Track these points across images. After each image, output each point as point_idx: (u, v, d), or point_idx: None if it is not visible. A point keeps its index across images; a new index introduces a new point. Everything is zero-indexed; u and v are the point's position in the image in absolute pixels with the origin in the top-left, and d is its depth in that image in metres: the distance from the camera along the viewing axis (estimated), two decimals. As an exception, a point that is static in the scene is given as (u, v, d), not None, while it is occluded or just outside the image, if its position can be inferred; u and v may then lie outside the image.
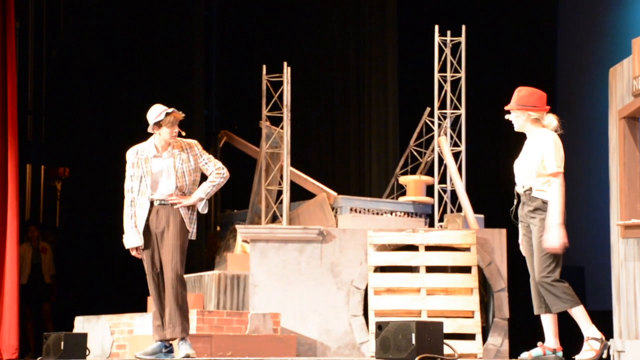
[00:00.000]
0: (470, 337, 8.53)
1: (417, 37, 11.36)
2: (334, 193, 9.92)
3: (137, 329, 8.24)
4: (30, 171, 12.66)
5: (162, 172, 6.21)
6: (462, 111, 9.74)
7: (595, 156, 9.41)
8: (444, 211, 9.66)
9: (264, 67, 9.94)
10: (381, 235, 8.83)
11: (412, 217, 9.89)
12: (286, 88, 9.67)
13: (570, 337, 6.42)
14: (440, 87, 9.77)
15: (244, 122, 11.83)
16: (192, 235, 6.26)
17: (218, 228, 11.72)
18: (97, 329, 8.53)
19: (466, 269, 8.75)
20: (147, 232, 6.19)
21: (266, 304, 8.69)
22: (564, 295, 5.43)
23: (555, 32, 12.35)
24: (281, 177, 9.78)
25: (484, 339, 8.71)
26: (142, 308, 8.82)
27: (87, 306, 9.45)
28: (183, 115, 6.24)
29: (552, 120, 5.67)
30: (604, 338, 5.52)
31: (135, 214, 6.20)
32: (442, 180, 9.72)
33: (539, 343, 5.67)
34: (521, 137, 5.81)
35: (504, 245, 8.87)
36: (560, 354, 5.67)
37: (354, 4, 12.34)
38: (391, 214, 9.85)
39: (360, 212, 9.76)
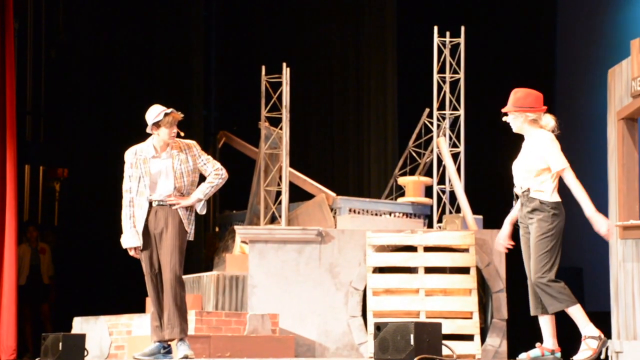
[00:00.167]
0: (469, 338, 8.53)
1: (417, 38, 11.36)
2: (333, 194, 9.92)
3: (136, 329, 8.24)
4: (29, 172, 12.65)
5: (161, 173, 6.20)
6: (461, 112, 9.74)
7: (594, 157, 9.40)
8: (443, 212, 9.66)
9: (263, 67, 9.93)
10: (380, 236, 8.83)
11: (410, 218, 9.89)
12: (285, 89, 9.67)
13: (569, 337, 6.41)
14: (440, 88, 9.77)
15: (243, 123, 11.83)
16: (190, 236, 6.26)
17: (217, 229, 11.72)
18: (95, 330, 8.53)
19: (465, 270, 8.75)
20: (145, 232, 6.18)
21: (265, 305, 8.69)
22: (559, 295, 5.43)
23: (555, 33, 12.35)
24: (280, 177, 9.78)
25: (483, 340, 8.71)
26: (141, 309, 8.82)
27: (86, 307, 9.44)
28: (182, 115, 6.23)
29: (549, 120, 5.68)
30: (602, 335, 5.51)
31: (134, 214, 6.19)
32: (441, 181, 9.72)
33: (538, 344, 5.67)
34: (520, 138, 5.82)
35: (503, 246, 8.85)
36: (558, 354, 5.67)
37: (353, 5, 12.34)
38: (390, 214, 9.85)
39: (359, 212, 9.76)
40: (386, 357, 5.68)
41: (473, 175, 9.87)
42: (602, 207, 7.55)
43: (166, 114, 6.15)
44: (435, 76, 9.76)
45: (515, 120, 5.67)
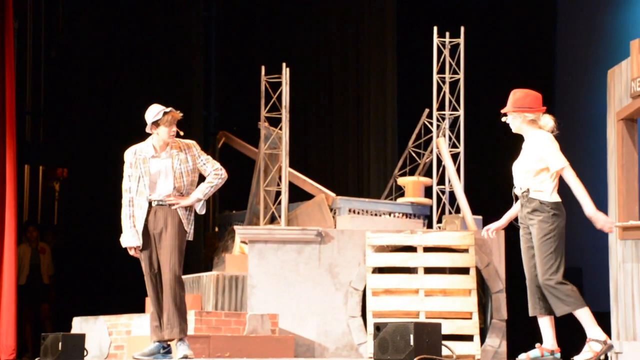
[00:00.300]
0: (468, 338, 8.53)
1: (416, 38, 11.36)
2: (333, 194, 9.92)
3: (135, 329, 8.24)
4: (29, 172, 12.65)
5: (160, 173, 6.20)
6: (461, 112, 9.74)
7: (594, 158, 9.40)
8: (443, 212, 9.66)
9: (263, 68, 9.93)
10: (379, 237, 8.83)
11: (410, 218, 9.89)
12: (285, 89, 9.67)
13: (568, 338, 6.41)
14: (439, 89, 9.77)
15: (243, 123, 11.83)
16: (190, 236, 6.26)
17: (216, 229, 11.72)
18: (95, 330, 8.53)
19: (464, 270, 8.75)
20: (145, 232, 6.18)
21: (264, 305, 8.69)
22: (567, 297, 5.42)
23: (554, 33, 12.35)
24: (280, 178, 9.78)
25: (482, 340, 8.71)
26: (140, 309, 8.82)
27: (85, 307, 9.44)
28: (181, 114, 6.23)
29: (548, 121, 5.69)
30: (607, 340, 5.50)
31: (134, 214, 6.19)
32: (441, 181, 9.72)
33: (537, 344, 5.67)
34: (519, 139, 5.82)
35: (502, 246, 8.87)
36: (558, 355, 5.67)
37: (353, 6, 12.34)
38: (389, 215, 9.85)
39: (358, 213, 9.76)
40: (386, 358, 5.68)
41: (472, 175, 9.87)
42: (601, 207, 7.56)
43: (165, 113, 6.15)
44: (435, 76, 9.76)
45: (514, 120, 5.68)
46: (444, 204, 9.65)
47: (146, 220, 6.17)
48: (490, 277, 8.83)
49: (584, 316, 5.46)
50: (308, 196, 10.18)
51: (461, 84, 9.76)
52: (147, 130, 6.23)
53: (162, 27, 11.61)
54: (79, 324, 8.71)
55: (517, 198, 5.72)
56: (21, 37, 11.98)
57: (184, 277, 6.29)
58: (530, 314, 5.67)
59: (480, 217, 9.52)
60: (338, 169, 12.21)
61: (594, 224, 5.51)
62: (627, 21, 11.42)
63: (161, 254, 6.16)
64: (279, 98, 9.76)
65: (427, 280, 8.69)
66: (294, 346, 8.22)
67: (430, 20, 10.19)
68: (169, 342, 6.26)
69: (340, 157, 12.24)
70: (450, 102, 9.78)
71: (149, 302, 6.34)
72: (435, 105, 9.75)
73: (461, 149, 9.70)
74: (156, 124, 6.17)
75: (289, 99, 9.70)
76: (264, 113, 9.92)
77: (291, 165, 9.92)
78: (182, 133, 6.29)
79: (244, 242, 9.36)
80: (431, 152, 9.92)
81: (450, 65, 9.79)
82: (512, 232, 5.95)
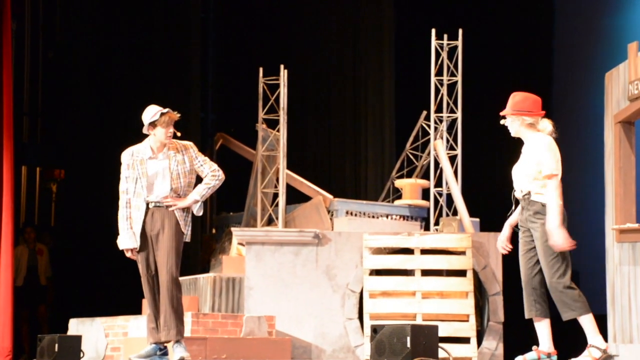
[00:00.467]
0: (465, 340, 8.53)
1: (414, 40, 11.37)
2: (330, 196, 9.92)
3: (132, 331, 8.23)
4: (26, 173, 12.64)
5: (158, 174, 6.19)
6: (459, 115, 9.75)
7: (591, 160, 9.40)
8: (440, 215, 9.66)
9: (261, 69, 9.93)
10: (377, 239, 8.82)
11: (407, 220, 9.89)
12: (283, 91, 9.67)
13: (565, 341, 6.41)
14: (437, 91, 9.77)
15: (241, 125, 11.83)
16: (187, 238, 6.25)
17: (214, 230, 11.71)
18: (91, 332, 8.52)
19: (461, 273, 8.75)
20: (142, 234, 6.17)
21: (261, 307, 8.68)
22: (574, 302, 5.41)
23: (552, 36, 12.36)
24: (277, 179, 9.77)
25: (479, 343, 8.71)
26: (137, 310, 8.81)
27: (82, 308, 9.44)
28: (178, 115, 6.23)
29: (546, 125, 5.68)
30: (607, 350, 5.50)
31: (131, 215, 6.18)
32: (438, 183, 9.72)
33: (534, 347, 5.67)
34: (517, 142, 5.82)
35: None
36: (554, 358, 5.67)
37: (351, 7, 12.35)
38: (387, 217, 9.85)
39: (356, 215, 9.76)
40: (382, 360, 5.68)
41: (470, 178, 9.87)
42: (599, 210, 7.56)
43: (162, 114, 6.15)
44: (433, 79, 9.76)
45: (513, 123, 5.67)
46: (442, 206, 9.65)
47: (143, 221, 6.16)
48: (487, 280, 8.83)
49: (588, 322, 5.45)
50: (305, 198, 10.18)
51: (459, 86, 9.77)
52: (144, 131, 6.23)
53: (160, 29, 11.60)
54: (75, 326, 8.70)
55: (517, 201, 5.71)
56: (19, 38, 11.98)
57: (180, 278, 6.29)
58: (526, 316, 5.67)
59: (477, 220, 9.53)
60: (335, 171, 12.21)
61: (549, 237, 5.44)
62: (624, 24, 11.43)
63: (158, 255, 6.15)
64: (277, 100, 9.75)
65: (424, 283, 8.69)
66: (291, 348, 8.21)
67: (428, 22, 10.20)
68: (165, 344, 6.25)
69: (337, 159, 12.24)
70: (448, 104, 9.78)
71: (146, 304, 6.34)
72: (433, 108, 9.75)
73: (459, 151, 9.70)
74: (153, 124, 6.16)
75: (287, 100, 9.69)
76: (261, 115, 9.91)
77: (289, 167, 9.92)
78: (179, 134, 6.28)
79: (241, 243, 9.35)
80: (429, 154, 9.93)
81: (448, 67, 9.80)
82: (512, 235, 5.94)
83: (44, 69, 12.57)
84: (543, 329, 5.63)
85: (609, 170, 7.33)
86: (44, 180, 12.87)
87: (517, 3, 12.25)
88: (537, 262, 5.58)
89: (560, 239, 5.40)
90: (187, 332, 7.64)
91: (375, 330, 5.80)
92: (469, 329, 8.53)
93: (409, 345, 5.55)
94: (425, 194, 9.91)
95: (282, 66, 9.72)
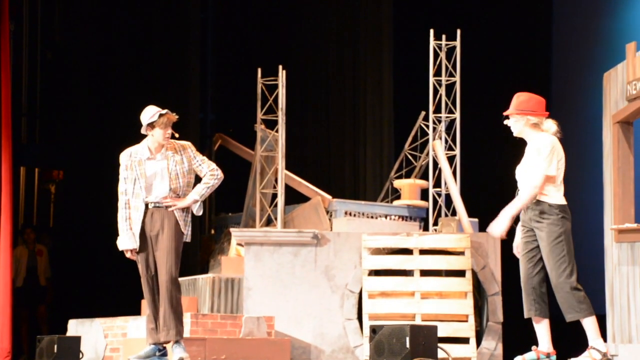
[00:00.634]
0: (464, 341, 8.53)
1: (413, 40, 11.37)
2: (329, 196, 9.92)
3: (131, 332, 8.22)
4: (24, 174, 12.64)
5: (156, 175, 6.19)
6: (457, 115, 9.75)
7: (590, 160, 9.41)
8: (439, 215, 9.66)
9: (259, 70, 9.93)
10: (376, 239, 8.83)
11: (406, 220, 9.89)
12: (281, 91, 9.67)
13: (564, 341, 6.42)
14: (435, 91, 9.77)
15: (239, 125, 11.82)
16: (187, 238, 6.25)
17: (212, 231, 11.71)
18: (90, 332, 8.51)
19: (460, 273, 8.75)
20: (141, 235, 6.17)
21: (260, 307, 8.68)
22: (579, 304, 5.41)
23: (550, 36, 12.36)
24: (276, 180, 9.77)
25: (478, 343, 8.71)
26: (136, 311, 8.81)
27: (81, 309, 9.44)
28: (177, 117, 6.23)
29: (551, 125, 5.67)
30: (608, 354, 5.51)
31: (130, 216, 6.18)
32: (437, 184, 9.72)
33: (533, 347, 5.67)
34: (516, 142, 5.82)
35: (498, 249, 8.87)
36: (554, 358, 5.67)
37: (350, 8, 12.35)
38: (386, 217, 9.85)
39: (354, 215, 9.76)
40: (382, 360, 5.69)
41: (469, 178, 9.87)
42: (598, 210, 7.57)
43: (161, 115, 6.15)
44: (431, 79, 9.76)
45: (517, 123, 5.66)
46: (440, 206, 9.65)
47: (143, 222, 6.16)
48: (486, 280, 8.83)
49: (590, 325, 5.45)
50: (304, 199, 10.18)
51: (457, 86, 9.77)
52: (143, 131, 6.23)
53: (159, 29, 11.60)
54: (74, 327, 8.70)
55: None
56: (17, 39, 11.97)
57: (180, 279, 6.28)
58: (526, 315, 5.67)
59: (476, 220, 9.53)
60: (334, 171, 12.21)
61: (495, 221, 5.50)
62: (623, 24, 11.43)
63: (158, 256, 6.15)
64: (275, 100, 9.75)
65: (423, 283, 8.69)
66: (290, 349, 8.21)
67: (426, 22, 10.20)
68: (164, 345, 6.25)
69: (336, 159, 12.24)
70: (447, 104, 9.78)
71: (145, 305, 6.34)
72: (431, 108, 9.76)
73: (457, 151, 9.71)
74: (151, 125, 6.16)
75: (285, 101, 9.70)
76: (260, 115, 9.91)
77: (287, 168, 9.92)
78: (177, 135, 6.28)
79: (240, 244, 9.35)
80: (427, 154, 9.93)
81: (447, 67, 9.80)
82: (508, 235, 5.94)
83: (42, 70, 12.57)
84: (542, 329, 5.63)
85: (607, 171, 7.34)
86: (43, 181, 12.87)
87: (515, 4, 12.26)
88: (538, 261, 5.58)
89: (500, 228, 5.47)
90: (186, 333, 7.64)
91: (374, 330, 5.80)
92: (468, 329, 8.53)
93: (408, 345, 5.55)
94: (424, 195, 9.91)
95: (280, 67, 9.71)
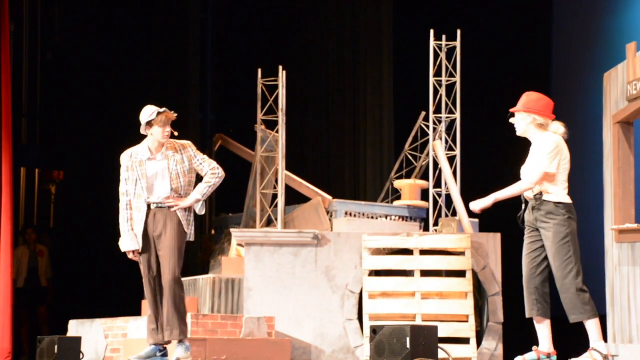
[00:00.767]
0: (465, 341, 8.53)
1: (413, 41, 11.37)
2: (329, 197, 9.92)
3: (131, 332, 8.22)
4: (25, 174, 12.64)
5: (157, 175, 6.20)
6: (457, 115, 9.75)
7: (590, 160, 9.41)
8: (439, 215, 9.66)
9: (259, 70, 9.93)
10: (376, 239, 8.83)
11: (406, 221, 9.89)
12: (281, 92, 9.67)
13: (564, 341, 6.42)
14: (435, 91, 9.77)
15: (239, 126, 11.83)
16: (190, 237, 6.26)
17: (213, 231, 11.71)
18: (91, 333, 8.51)
19: (461, 273, 8.75)
20: (144, 235, 6.17)
21: (261, 308, 8.68)
22: (583, 306, 5.42)
23: (550, 37, 12.36)
24: (276, 180, 9.77)
25: (478, 343, 8.71)
26: (136, 311, 8.81)
27: (82, 309, 9.44)
28: (175, 115, 6.22)
29: (558, 127, 5.67)
30: (609, 356, 5.51)
31: (132, 217, 6.18)
32: (437, 184, 9.72)
33: (534, 347, 5.67)
34: (516, 142, 5.82)
35: (499, 249, 8.87)
36: (554, 358, 5.67)
37: (350, 8, 12.35)
38: (386, 217, 9.85)
39: (355, 215, 9.76)
40: (382, 360, 5.69)
41: (469, 178, 9.87)
42: (598, 210, 7.56)
43: (159, 113, 6.15)
44: (432, 79, 9.76)
45: (522, 121, 5.66)
46: (440, 206, 9.65)
47: (145, 222, 6.16)
48: (486, 280, 8.83)
49: (593, 326, 5.46)
50: (304, 199, 10.18)
51: (457, 86, 9.77)
52: (142, 131, 6.23)
53: (159, 30, 11.61)
54: (75, 327, 8.70)
55: (526, 202, 5.70)
56: (17, 39, 11.97)
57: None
58: (527, 315, 5.67)
59: (476, 220, 9.52)
60: (334, 171, 12.21)
61: (482, 199, 5.63)
62: (623, 24, 11.44)
63: (161, 255, 6.15)
64: (276, 100, 9.75)
65: (424, 283, 8.69)
66: (290, 349, 8.21)
67: (426, 23, 10.20)
68: (165, 345, 6.25)
69: (336, 159, 12.24)
70: (447, 104, 9.78)
71: (146, 305, 6.34)
72: (431, 108, 9.76)
73: (457, 151, 9.71)
74: (150, 124, 6.16)
75: (285, 101, 9.70)
76: (260, 115, 9.91)
77: (287, 168, 9.92)
78: (176, 133, 6.28)
79: (240, 244, 9.35)
80: (427, 154, 9.93)
81: (447, 68, 9.80)
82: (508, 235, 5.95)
83: (42, 70, 12.57)
84: (543, 329, 5.63)
85: (607, 171, 7.34)
86: (43, 181, 12.87)
87: (515, 4, 12.26)
88: (542, 261, 5.58)
89: (480, 204, 5.67)
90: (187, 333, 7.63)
91: (374, 330, 5.81)
92: (468, 329, 8.53)
93: (408, 345, 5.55)
94: (424, 195, 9.91)
95: (280, 67, 9.71)
